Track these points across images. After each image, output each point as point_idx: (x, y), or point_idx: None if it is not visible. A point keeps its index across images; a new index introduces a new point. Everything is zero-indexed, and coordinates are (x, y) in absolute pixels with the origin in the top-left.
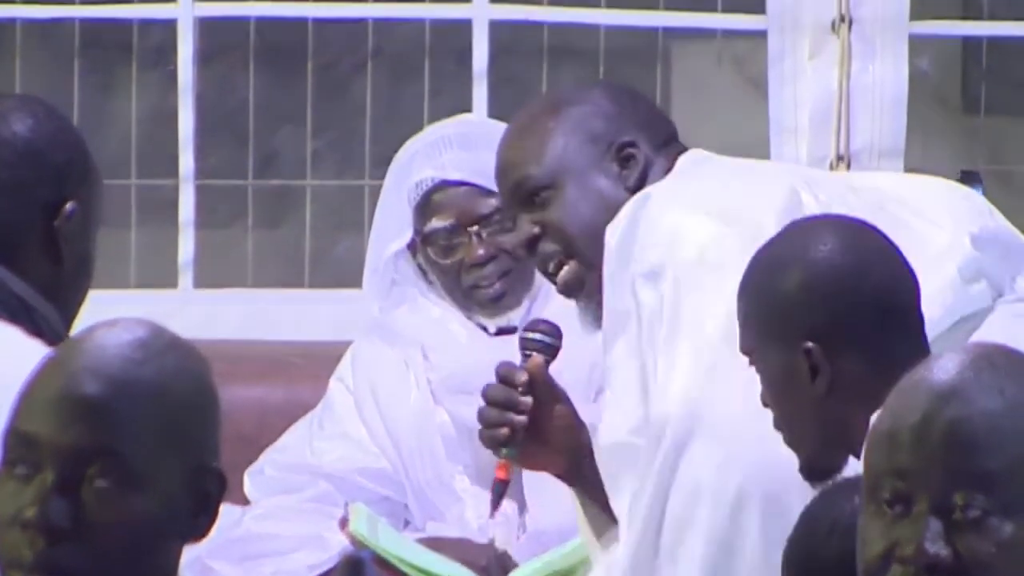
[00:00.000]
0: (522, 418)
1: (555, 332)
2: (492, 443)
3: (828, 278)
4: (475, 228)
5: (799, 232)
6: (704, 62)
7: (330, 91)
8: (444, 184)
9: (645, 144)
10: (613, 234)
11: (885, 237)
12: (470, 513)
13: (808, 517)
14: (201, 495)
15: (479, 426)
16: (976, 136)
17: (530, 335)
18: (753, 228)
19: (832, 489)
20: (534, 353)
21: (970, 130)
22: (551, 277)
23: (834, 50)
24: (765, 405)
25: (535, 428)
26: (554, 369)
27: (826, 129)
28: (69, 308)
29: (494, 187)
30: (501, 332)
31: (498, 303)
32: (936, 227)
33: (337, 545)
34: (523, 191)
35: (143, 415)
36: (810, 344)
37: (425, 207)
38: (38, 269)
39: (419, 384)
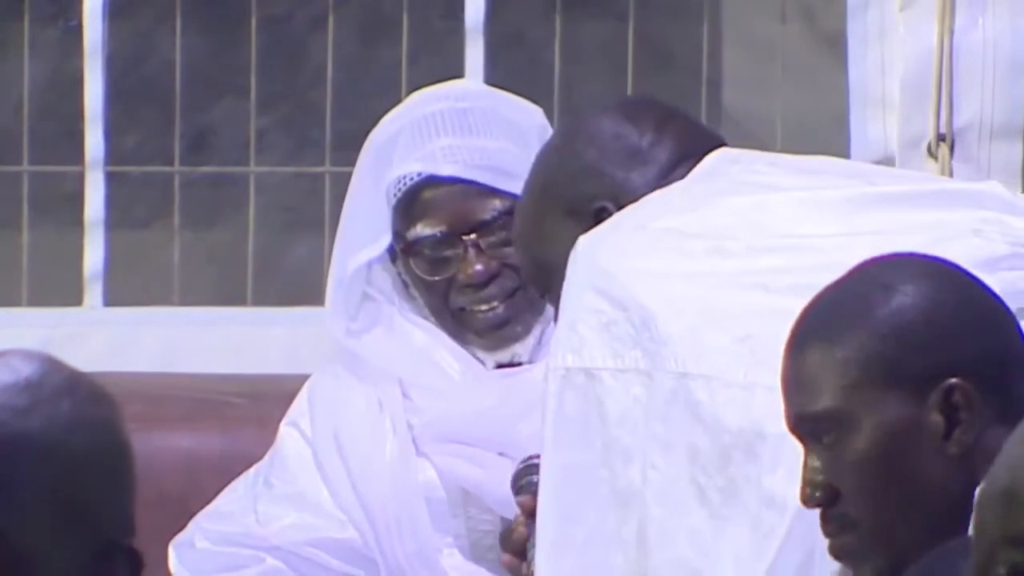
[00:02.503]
0: None
1: None
2: (515, 548)
3: (977, 305)
4: (472, 237)
5: (878, 271)
6: (764, 15)
7: (280, 53)
8: (434, 180)
9: (637, 191)
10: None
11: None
12: None
13: None
14: None
15: (474, 485)
16: None
17: (524, 466)
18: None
19: (935, 557)
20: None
21: None
22: None
23: None
24: (825, 500)
25: None
26: None
27: (922, 101)
28: None
29: (497, 184)
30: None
31: (499, 332)
32: None
33: None
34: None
35: (32, 482)
36: (955, 381)
37: (409, 208)
38: None
39: (397, 431)
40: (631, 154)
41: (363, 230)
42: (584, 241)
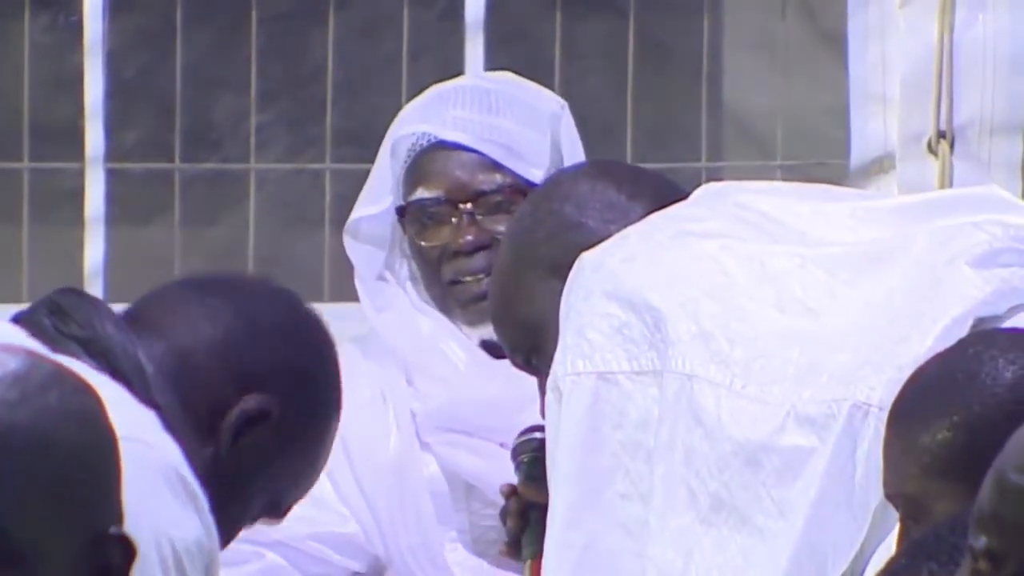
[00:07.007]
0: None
1: None
2: (510, 549)
3: None
4: (468, 206)
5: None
6: (764, 12)
7: (280, 50)
8: (441, 145)
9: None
10: None
11: None
12: None
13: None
14: (101, 571)
15: (475, 477)
16: None
17: (525, 439)
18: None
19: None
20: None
21: None
22: None
23: None
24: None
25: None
26: None
27: (922, 98)
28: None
29: (504, 160)
30: (494, 350)
31: (481, 304)
32: None
33: None
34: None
35: (23, 475)
36: None
37: (413, 171)
38: (195, 451)
39: (400, 424)
40: (609, 206)
41: (374, 190)
42: (589, 254)
